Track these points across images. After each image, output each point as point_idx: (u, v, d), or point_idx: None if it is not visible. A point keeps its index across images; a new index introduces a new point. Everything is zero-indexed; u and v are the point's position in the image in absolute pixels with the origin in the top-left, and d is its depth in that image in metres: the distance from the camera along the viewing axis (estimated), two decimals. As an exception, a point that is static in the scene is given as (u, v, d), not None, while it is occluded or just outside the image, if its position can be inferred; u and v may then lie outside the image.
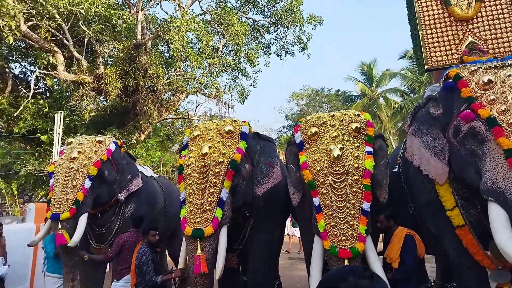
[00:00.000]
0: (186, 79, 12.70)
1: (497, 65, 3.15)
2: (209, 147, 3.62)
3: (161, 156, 12.91)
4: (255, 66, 13.36)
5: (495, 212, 2.71)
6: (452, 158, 3.17)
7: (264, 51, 14.66)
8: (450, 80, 3.24)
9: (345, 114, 3.53)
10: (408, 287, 3.49)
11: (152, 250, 3.91)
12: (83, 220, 4.26)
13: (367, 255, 3.13)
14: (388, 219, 3.70)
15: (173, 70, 13.24)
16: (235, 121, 3.97)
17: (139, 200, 4.97)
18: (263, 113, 54.30)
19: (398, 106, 19.27)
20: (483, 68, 3.15)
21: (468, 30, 4.14)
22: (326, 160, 3.21)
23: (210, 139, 3.73)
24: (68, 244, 4.07)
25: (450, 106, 3.23)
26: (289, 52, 14.58)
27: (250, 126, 4.00)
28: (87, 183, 4.34)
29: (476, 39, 4.13)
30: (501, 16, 4.12)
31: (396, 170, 4.23)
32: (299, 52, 14.36)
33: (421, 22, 4.27)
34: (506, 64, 3.13)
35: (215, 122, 3.98)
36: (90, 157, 4.50)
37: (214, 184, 3.50)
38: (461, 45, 4.16)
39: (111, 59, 12.94)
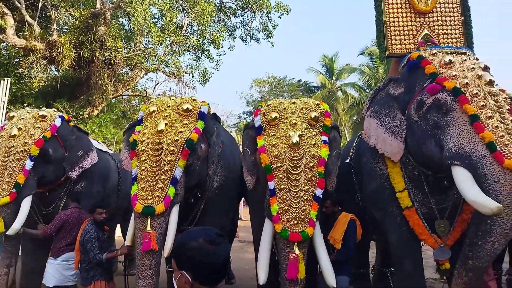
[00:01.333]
0: (147, 55, 12.26)
1: (454, 51, 3.49)
2: (166, 124, 3.54)
3: (114, 133, 12.44)
4: (219, 48, 13.15)
5: (462, 174, 2.89)
6: (411, 135, 3.37)
7: (230, 34, 14.47)
8: (413, 60, 3.47)
9: (306, 102, 3.61)
10: (348, 267, 3.69)
11: (98, 228, 3.80)
12: (25, 204, 4.00)
13: (314, 240, 3.25)
14: (333, 204, 3.85)
15: (133, 44, 12.71)
16: (194, 100, 3.89)
17: (90, 177, 4.75)
18: (224, 97, 53.95)
19: (355, 100, 19.94)
20: (442, 52, 3.43)
21: (424, 22, 4.40)
22: (284, 145, 3.27)
23: (166, 116, 3.64)
24: (6, 233, 3.80)
25: (412, 84, 3.44)
26: (254, 38, 14.50)
27: (209, 107, 3.95)
28: (28, 164, 4.02)
29: (430, 32, 4.39)
30: (451, 14, 4.43)
31: (348, 161, 4.41)
32: (264, 39, 14.32)
33: (386, 10, 4.51)
34: (461, 52, 3.51)
35: (173, 99, 3.88)
36: (32, 134, 4.17)
37: (169, 162, 3.44)
38: (418, 36, 4.39)
39: (66, 27, 12.17)
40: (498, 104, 2.96)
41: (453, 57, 3.34)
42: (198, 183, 3.87)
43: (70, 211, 4.11)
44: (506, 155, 2.70)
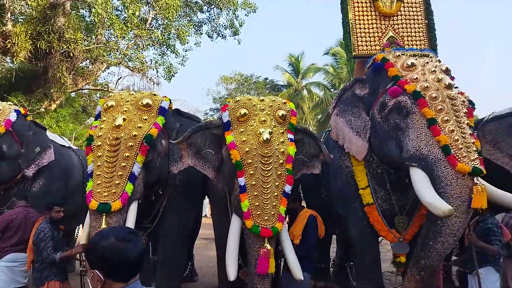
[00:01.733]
0: (108, 49, 11.84)
1: (417, 54, 3.57)
2: (124, 119, 3.45)
3: (73, 128, 11.96)
4: (185, 43, 12.92)
5: (418, 176, 3.04)
6: (374, 134, 3.49)
7: (196, 30, 14.28)
8: (378, 62, 3.57)
9: (273, 100, 3.66)
10: (308, 263, 3.74)
11: (54, 226, 3.66)
12: None
13: (281, 234, 3.29)
14: (294, 201, 3.92)
15: (93, 37, 12.24)
16: (154, 95, 3.82)
17: (50, 174, 4.56)
18: (191, 93, 53.19)
19: (320, 99, 20.32)
20: (405, 54, 3.54)
21: (389, 25, 4.55)
22: (255, 142, 3.28)
23: (125, 111, 3.55)
24: None
25: (376, 86, 3.55)
26: (220, 35, 14.39)
27: (171, 102, 3.89)
28: None
29: (395, 35, 4.54)
30: (415, 17, 4.60)
31: None
32: (231, 36, 14.26)
33: (352, 12, 4.61)
34: (424, 54, 3.59)
35: (132, 94, 3.79)
36: None
37: (126, 158, 3.36)
38: (383, 38, 4.52)
39: (22, 17, 11.52)
40: (455, 107, 3.08)
41: (416, 59, 3.45)
42: (158, 179, 3.80)
43: (16, 211, 3.92)
44: (459, 159, 2.85)
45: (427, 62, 3.40)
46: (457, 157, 2.87)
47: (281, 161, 3.26)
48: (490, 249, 3.38)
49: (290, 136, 3.46)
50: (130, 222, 3.38)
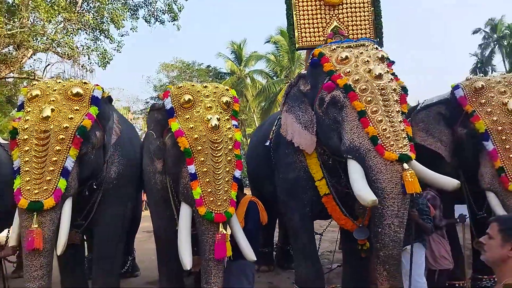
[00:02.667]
0: (34, 33, 10.89)
1: (352, 45, 3.62)
2: (52, 110, 3.21)
3: (-3, 120, 10.94)
4: (120, 28, 12.26)
5: (353, 167, 3.20)
6: (319, 129, 3.59)
7: (132, 14, 13.58)
8: (315, 58, 3.63)
9: (217, 87, 3.63)
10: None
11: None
12: None
13: (230, 218, 3.29)
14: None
15: (17, 20, 11.17)
16: (85, 83, 3.58)
17: None
18: (129, 81, 50.97)
19: (262, 87, 20.56)
20: (341, 47, 3.59)
21: (334, 15, 4.56)
22: (204, 128, 3.24)
23: (53, 100, 3.29)
24: None
25: (316, 81, 3.63)
26: (158, 20, 13.86)
27: (103, 91, 3.70)
28: None
29: (340, 24, 4.59)
30: (361, 5, 4.62)
31: (267, 144, 4.53)
32: (169, 21, 13.78)
33: (295, 3, 4.57)
34: (359, 44, 3.62)
35: (60, 82, 3.52)
36: None
37: (58, 151, 3.14)
38: (327, 28, 4.58)
39: None
40: (384, 97, 3.19)
41: (351, 51, 3.51)
42: (93, 173, 3.62)
43: None
44: (386, 148, 3.02)
45: (361, 53, 3.48)
46: (384, 146, 3.03)
47: (230, 146, 3.29)
48: (426, 226, 3.66)
49: (235, 122, 3.50)
50: (65, 220, 3.19)
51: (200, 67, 25.41)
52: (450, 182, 3.17)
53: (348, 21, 4.58)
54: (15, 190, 3.06)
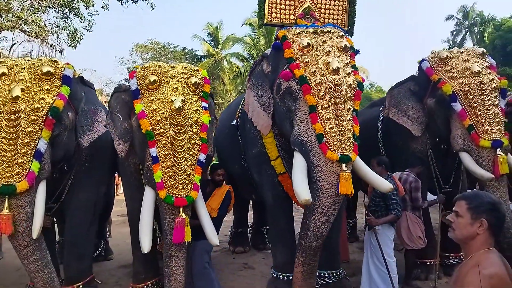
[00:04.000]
0: (-2, 10, 10.31)
1: (318, 31, 3.50)
2: (22, 90, 3.10)
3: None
4: (90, 6, 11.77)
5: (297, 160, 3.22)
6: (275, 113, 3.58)
7: (103, -8, 13.05)
8: (278, 41, 3.55)
9: (185, 67, 3.53)
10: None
11: None
12: None
13: (196, 202, 3.31)
14: (219, 174, 4.03)
15: (-22, -5, 10.53)
16: (55, 61, 3.45)
17: None
18: (102, 62, 49.22)
19: (239, 70, 20.37)
20: (305, 32, 3.49)
21: None
22: (167, 110, 3.17)
23: (22, 79, 3.17)
24: None
25: (277, 65, 3.57)
26: (131, -2, 13.39)
27: (74, 70, 3.57)
28: None
29: (312, 5, 4.46)
30: None
31: (234, 123, 4.54)
32: (143, 0, 13.34)
33: None
34: (325, 30, 3.50)
35: (28, 60, 3.38)
36: None
37: (30, 133, 3.06)
38: (299, 7, 4.44)
39: None
40: (337, 94, 3.13)
41: (314, 37, 3.41)
42: (65, 156, 3.54)
43: None
44: (330, 147, 3.04)
45: (325, 41, 3.38)
46: (328, 145, 3.03)
47: (194, 130, 3.22)
48: (389, 220, 3.80)
49: (204, 104, 3.42)
50: (40, 203, 3.14)
51: (175, 49, 24.83)
52: (385, 184, 3.26)
53: (321, 4, 4.47)
54: None
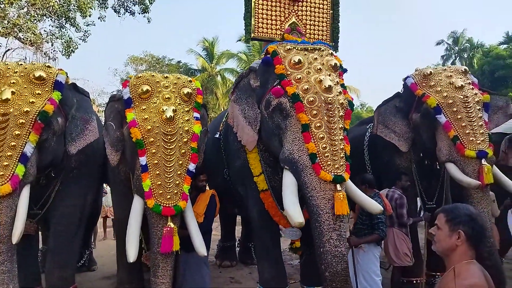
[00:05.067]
0: (-6, 16, 10.31)
1: (308, 48, 3.52)
2: (13, 93, 3.09)
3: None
4: (86, 17, 11.83)
5: (287, 179, 3.18)
6: (262, 128, 3.56)
7: (100, 3, 13.14)
8: (268, 55, 3.56)
9: (179, 78, 3.56)
10: (207, 239, 3.76)
11: None
12: None
13: (185, 212, 3.28)
14: (202, 180, 3.99)
15: (-26, 1, 10.53)
16: (48, 67, 3.46)
17: None
18: (95, 73, 49.16)
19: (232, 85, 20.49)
20: (296, 48, 3.52)
21: (293, 10, 4.44)
22: (158, 120, 3.18)
23: (13, 83, 3.17)
24: None
25: (266, 80, 3.56)
26: (128, 11, 13.49)
27: (67, 76, 3.58)
28: None
29: (298, 21, 4.49)
30: (321, 6, 4.54)
31: (217, 136, 4.55)
32: (140, 13, 13.44)
33: None
34: (316, 48, 3.53)
35: (21, 64, 3.39)
36: None
37: (17, 136, 3.03)
38: (285, 23, 4.44)
39: None
40: (330, 112, 3.13)
41: (305, 54, 3.42)
42: (52, 161, 3.50)
43: None
44: (323, 167, 3.02)
45: (315, 58, 3.40)
46: (321, 165, 3.00)
47: (185, 139, 3.22)
48: (370, 240, 3.75)
49: (196, 114, 3.43)
50: (22, 208, 3.07)
51: (170, 62, 24.98)
52: (374, 206, 3.27)
53: (306, 19, 4.50)
54: None
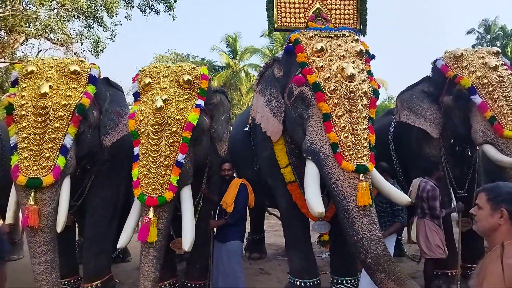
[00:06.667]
0: (26, 18, 10.71)
1: (331, 34, 3.43)
2: (50, 87, 3.20)
3: (-13, 105, 10.72)
4: (113, 16, 12.11)
5: (310, 169, 3.15)
6: (286, 119, 3.53)
7: (126, 3, 13.43)
8: (290, 44, 3.49)
9: (180, 66, 3.51)
10: (236, 230, 3.83)
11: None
12: None
13: (182, 204, 3.27)
14: (233, 167, 4.00)
15: (8, 4, 10.97)
16: (82, 61, 3.58)
17: None
18: (123, 72, 50.29)
19: (256, 80, 20.46)
20: (319, 35, 3.43)
21: None
22: (149, 110, 3.19)
23: (50, 77, 3.29)
24: None
25: (289, 69, 3.51)
26: (153, 10, 13.72)
27: (99, 70, 3.68)
28: None
29: (322, 7, 4.33)
30: None
31: (246, 129, 4.56)
32: (165, 12, 13.65)
33: None
34: (339, 34, 3.43)
35: (56, 59, 3.50)
36: None
37: (57, 129, 3.15)
38: (309, 10, 4.30)
39: None
40: (352, 101, 3.05)
41: (328, 41, 3.33)
42: (88, 154, 3.62)
43: None
44: (345, 157, 2.95)
45: (339, 45, 3.31)
46: (343, 155, 2.94)
47: (174, 129, 3.13)
48: (393, 231, 3.67)
49: (200, 101, 3.33)
50: (64, 198, 3.21)
51: (195, 59, 25.23)
52: (402, 197, 3.18)
53: (331, 4, 4.32)
54: (12, 167, 3.06)
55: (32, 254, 3.06)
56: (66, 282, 4.02)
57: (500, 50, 4.13)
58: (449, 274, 4.29)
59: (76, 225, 4.64)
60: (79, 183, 3.82)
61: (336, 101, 3.04)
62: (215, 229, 3.95)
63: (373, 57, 3.52)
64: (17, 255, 5.50)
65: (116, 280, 4.34)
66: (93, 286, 3.90)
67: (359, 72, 3.17)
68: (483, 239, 3.92)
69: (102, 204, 3.96)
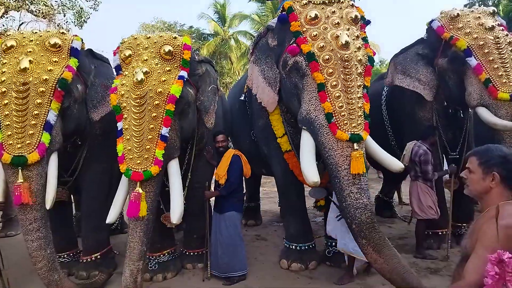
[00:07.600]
0: (4, -11, 10.25)
1: (326, 0, 3.30)
2: (30, 62, 3.09)
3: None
4: (95, -16, 11.67)
5: (305, 139, 3.13)
6: (282, 89, 3.49)
7: (108, -30, 12.87)
8: (284, 12, 3.39)
9: (161, 36, 3.34)
10: (232, 200, 3.81)
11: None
12: None
13: (170, 178, 3.24)
14: (227, 138, 3.97)
15: (-17, -25, 10.47)
16: (63, 33, 3.42)
17: None
18: (108, 43, 48.90)
19: (247, 48, 20.07)
20: (313, 2, 3.30)
21: None
22: (130, 84, 3.09)
23: (30, 52, 3.17)
24: None
25: (283, 39, 3.43)
26: (137, -24, 13.19)
27: (82, 42, 3.55)
28: None
29: None
30: None
31: (242, 98, 4.50)
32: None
33: None
34: (333, 0, 3.30)
35: (36, 32, 3.36)
36: None
37: (39, 105, 3.07)
38: None
39: None
40: (347, 70, 2.99)
41: (322, 8, 3.23)
42: (76, 129, 3.55)
43: None
44: (339, 126, 2.91)
45: (334, 12, 3.21)
46: (338, 124, 2.92)
47: (156, 102, 3.03)
48: None
49: (183, 73, 3.22)
50: (52, 175, 3.17)
51: (182, 28, 24.55)
52: (395, 164, 3.17)
53: None
54: None
55: (24, 232, 3.06)
56: (65, 256, 4.07)
57: (496, 10, 4.03)
58: (440, 233, 4.42)
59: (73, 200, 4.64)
60: (72, 158, 3.78)
61: (330, 70, 2.99)
62: (214, 200, 3.96)
63: (368, 22, 3.43)
64: (14, 231, 5.52)
65: (115, 252, 4.40)
66: (93, 258, 3.95)
67: (354, 39, 3.10)
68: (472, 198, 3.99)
69: (97, 179, 3.95)
